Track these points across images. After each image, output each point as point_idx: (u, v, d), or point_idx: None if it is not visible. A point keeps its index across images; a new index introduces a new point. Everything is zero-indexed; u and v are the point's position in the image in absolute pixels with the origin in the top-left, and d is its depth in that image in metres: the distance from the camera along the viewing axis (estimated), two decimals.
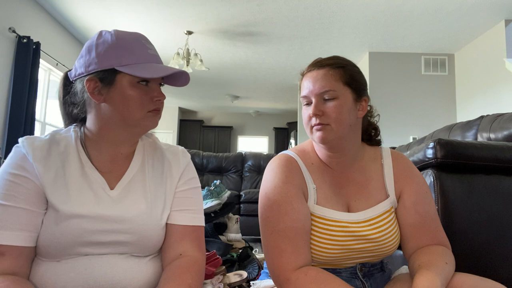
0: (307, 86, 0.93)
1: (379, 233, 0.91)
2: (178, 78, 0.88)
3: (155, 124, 0.86)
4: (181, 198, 0.91)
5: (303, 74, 0.98)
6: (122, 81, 0.80)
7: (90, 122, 0.86)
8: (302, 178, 0.94)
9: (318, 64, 0.94)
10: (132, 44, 0.82)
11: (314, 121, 0.91)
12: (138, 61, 0.81)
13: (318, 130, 0.91)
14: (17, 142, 0.82)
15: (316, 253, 0.90)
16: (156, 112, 0.85)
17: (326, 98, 0.90)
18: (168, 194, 0.89)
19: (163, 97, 0.85)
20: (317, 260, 0.91)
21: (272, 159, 0.99)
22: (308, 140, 1.04)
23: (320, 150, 0.97)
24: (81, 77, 0.83)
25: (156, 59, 0.85)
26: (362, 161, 0.99)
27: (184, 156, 0.95)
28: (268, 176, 0.95)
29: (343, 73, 0.92)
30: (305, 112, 0.94)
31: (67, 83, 0.89)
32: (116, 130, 0.84)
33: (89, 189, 0.81)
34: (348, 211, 0.94)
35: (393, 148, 2.57)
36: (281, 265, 0.84)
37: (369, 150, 1.02)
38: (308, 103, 0.93)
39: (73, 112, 0.89)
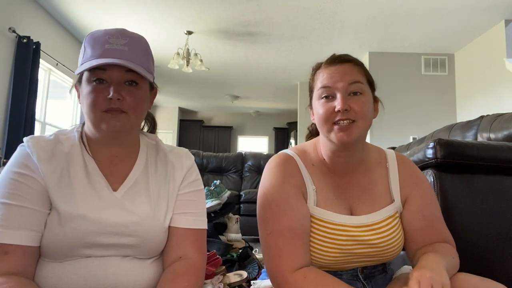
0: (331, 77, 0.86)
1: (381, 239, 0.89)
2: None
3: (117, 126, 0.78)
4: (183, 201, 0.90)
5: (317, 68, 0.93)
6: (85, 80, 0.80)
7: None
8: (301, 178, 0.92)
9: (341, 58, 0.90)
10: (94, 42, 0.80)
11: (339, 116, 0.84)
12: (92, 57, 0.78)
13: (342, 129, 0.84)
14: (17, 142, 0.82)
15: (316, 256, 0.88)
16: (113, 112, 0.78)
17: (353, 92, 0.85)
18: (171, 197, 0.89)
19: (116, 94, 0.77)
20: (317, 263, 0.89)
21: (271, 158, 0.96)
22: (311, 141, 1.01)
23: (327, 148, 0.93)
24: None
25: (115, 53, 0.78)
26: (367, 164, 0.96)
27: (187, 158, 0.94)
28: (266, 175, 0.93)
29: (365, 70, 0.91)
30: (325, 106, 0.86)
31: None
32: (93, 132, 0.84)
33: (93, 191, 0.81)
34: (351, 214, 0.92)
35: (393, 148, 2.57)
36: (280, 267, 0.82)
37: (374, 152, 0.99)
38: (329, 96, 0.87)
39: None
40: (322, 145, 0.95)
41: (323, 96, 0.87)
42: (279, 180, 0.90)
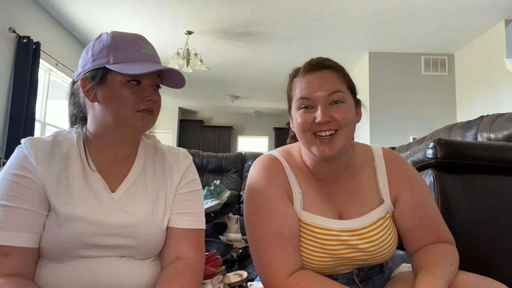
0: (309, 87, 0.83)
1: (369, 243, 0.86)
2: (174, 79, 0.86)
3: (146, 125, 0.83)
4: (181, 201, 0.90)
5: (294, 76, 0.89)
6: (113, 80, 0.79)
7: (89, 123, 0.86)
8: (286, 181, 0.89)
9: (320, 65, 0.85)
10: (126, 44, 0.81)
11: (320, 127, 0.81)
12: (129, 59, 0.80)
13: (324, 142, 0.81)
14: (17, 142, 0.82)
15: (307, 261, 0.86)
16: (147, 112, 0.82)
17: (334, 101, 0.82)
18: (169, 197, 0.89)
19: (155, 97, 0.82)
20: (309, 269, 0.87)
21: (256, 159, 0.94)
22: (296, 144, 0.97)
23: (310, 158, 0.90)
24: (79, 76, 0.84)
25: (151, 58, 0.83)
26: (354, 166, 0.93)
27: (185, 158, 0.94)
28: (251, 178, 0.91)
29: (345, 76, 0.87)
30: (304, 116, 0.83)
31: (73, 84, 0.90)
32: (110, 131, 0.83)
33: (91, 192, 0.81)
34: (340, 219, 0.89)
35: (393, 148, 2.56)
36: (272, 274, 0.81)
37: (360, 152, 0.95)
38: (308, 107, 0.83)
39: (74, 112, 0.89)
40: (305, 154, 0.92)
41: (302, 106, 0.84)
42: (264, 183, 0.88)
